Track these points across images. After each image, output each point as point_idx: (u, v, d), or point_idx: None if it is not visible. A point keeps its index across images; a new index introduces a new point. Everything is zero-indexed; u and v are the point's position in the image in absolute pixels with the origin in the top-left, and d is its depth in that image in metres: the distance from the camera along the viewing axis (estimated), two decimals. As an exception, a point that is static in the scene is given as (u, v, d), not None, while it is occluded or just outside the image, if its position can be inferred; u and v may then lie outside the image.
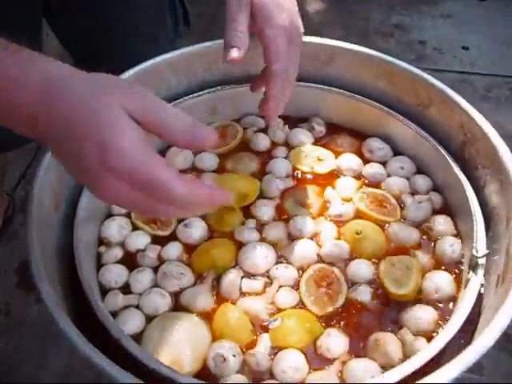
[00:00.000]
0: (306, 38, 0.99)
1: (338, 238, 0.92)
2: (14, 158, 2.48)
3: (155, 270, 0.88)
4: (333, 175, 1.01)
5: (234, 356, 0.77)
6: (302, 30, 0.87)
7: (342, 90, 1.05)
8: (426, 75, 0.98)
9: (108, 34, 1.23)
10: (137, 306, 0.84)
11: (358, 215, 0.95)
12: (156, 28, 1.29)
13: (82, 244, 0.85)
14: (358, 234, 0.91)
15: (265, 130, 1.07)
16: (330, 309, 0.83)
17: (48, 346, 1.91)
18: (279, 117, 1.01)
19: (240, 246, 0.90)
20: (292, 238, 0.91)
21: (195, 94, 1.05)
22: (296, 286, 0.85)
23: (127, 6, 1.20)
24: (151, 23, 1.27)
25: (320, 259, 0.89)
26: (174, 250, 0.90)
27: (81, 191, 0.90)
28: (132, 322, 0.80)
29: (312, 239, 0.91)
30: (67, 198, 0.92)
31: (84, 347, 0.68)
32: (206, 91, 1.05)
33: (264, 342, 0.80)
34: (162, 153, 1.02)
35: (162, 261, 0.89)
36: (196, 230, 0.91)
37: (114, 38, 1.24)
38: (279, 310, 0.83)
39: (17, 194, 2.35)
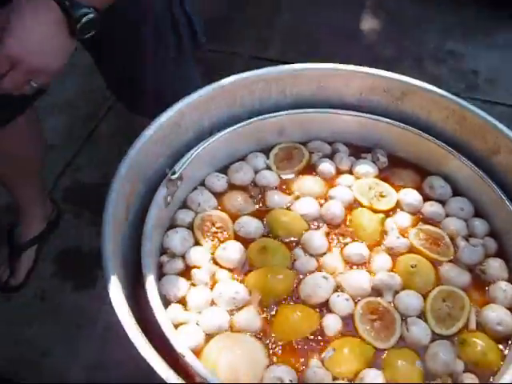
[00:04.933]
0: (381, 72, 1.03)
1: (391, 270, 0.95)
2: (60, 146, 2.54)
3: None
4: (393, 207, 1.04)
5: (290, 381, 0.80)
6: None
7: (410, 127, 1.08)
8: (495, 121, 1.00)
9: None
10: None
11: (412, 250, 0.98)
12: (155, 44, 1.29)
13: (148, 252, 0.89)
14: (412, 267, 0.93)
15: (330, 157, 1.10)
16: (392, 341, 0.86)
17: (80, 336, 1.96)
18: (345, 144, 1.05)
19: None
20: (348, 266, 0.95)
21: (267, 116, 1.08)
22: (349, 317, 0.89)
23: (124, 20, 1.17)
24: (151, 39, 1.28)
25: (372, 288, 0.92)
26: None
27: (149, 202, 0.94)
28: (192, 338, 0.84)
29: (365, 267, 0.95)
30: (137, 209, 0.96)
31: (149, 357, 0.72)
32: (278, 114, 1.08)
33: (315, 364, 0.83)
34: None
35: (215, 280, 0.93)
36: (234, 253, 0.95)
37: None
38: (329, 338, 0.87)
39: (61, 183, 2.39)
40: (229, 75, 1.06)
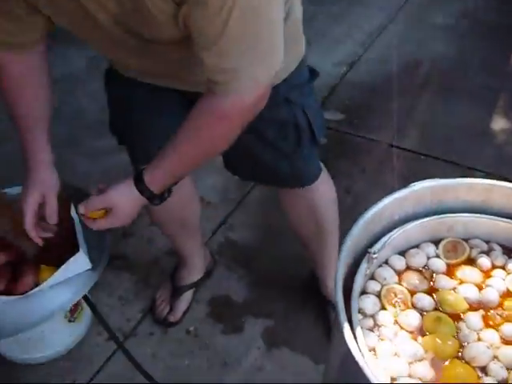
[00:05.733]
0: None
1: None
2: (216, 204, 2.92)
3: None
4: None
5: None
6: None
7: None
8: None
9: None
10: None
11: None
12: (277, 141, 1.75)
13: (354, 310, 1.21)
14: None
15: (487, 253, 1.39)
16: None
17: (226, 373, 2.28)
18: (499, 244, 1.34)
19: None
20: (502, 341, 1.23)
21: (440, 216, 1.39)
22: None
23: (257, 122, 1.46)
24: (273, 136, 1.74)
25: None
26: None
27: (350, 272, 1.26)
28: (381, 379, 1.12)
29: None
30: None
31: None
32: (449, 215, 1.39)
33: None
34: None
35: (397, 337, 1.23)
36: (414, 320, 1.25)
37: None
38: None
39: (215, 238, 2.76)
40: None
